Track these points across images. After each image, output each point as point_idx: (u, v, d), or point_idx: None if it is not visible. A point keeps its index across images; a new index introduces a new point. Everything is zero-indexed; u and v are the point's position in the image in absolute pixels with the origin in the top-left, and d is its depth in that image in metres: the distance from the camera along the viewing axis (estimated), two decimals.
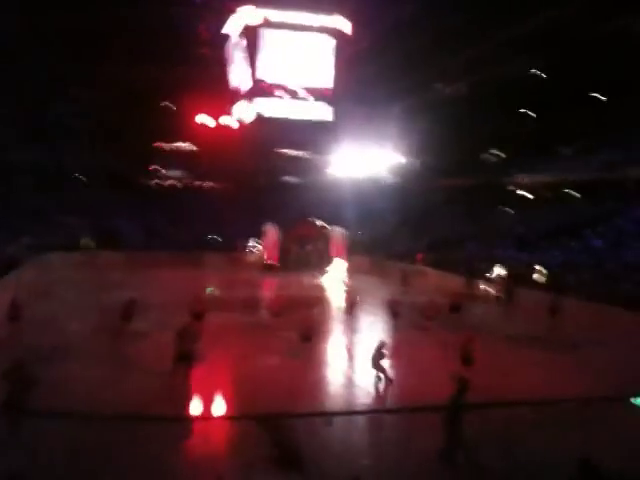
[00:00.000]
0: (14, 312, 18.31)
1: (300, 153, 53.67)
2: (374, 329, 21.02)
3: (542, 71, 40.17)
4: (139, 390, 13.02)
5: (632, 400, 10.50)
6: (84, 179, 47.88)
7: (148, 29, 37.28)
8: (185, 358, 13.61)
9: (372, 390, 13.88)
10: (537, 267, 27.93)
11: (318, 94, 42.60)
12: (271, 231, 38.59)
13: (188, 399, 12.91)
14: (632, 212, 30.62)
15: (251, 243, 40.93)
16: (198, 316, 18.15)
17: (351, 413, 12.77)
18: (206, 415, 12.56)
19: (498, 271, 28.93)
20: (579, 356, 17.29)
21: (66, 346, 16.60)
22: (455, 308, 22.07)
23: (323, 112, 43.48)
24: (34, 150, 45.65)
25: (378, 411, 13.00)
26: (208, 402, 13.10)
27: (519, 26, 36.37)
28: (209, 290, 27.57)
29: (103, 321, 18.75)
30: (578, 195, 35.98)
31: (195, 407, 12.77)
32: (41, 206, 41.80)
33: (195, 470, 9.47)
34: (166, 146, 51.78)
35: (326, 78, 41.96)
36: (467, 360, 14.48)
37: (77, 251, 38.42)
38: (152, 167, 51.82)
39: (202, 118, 46.24)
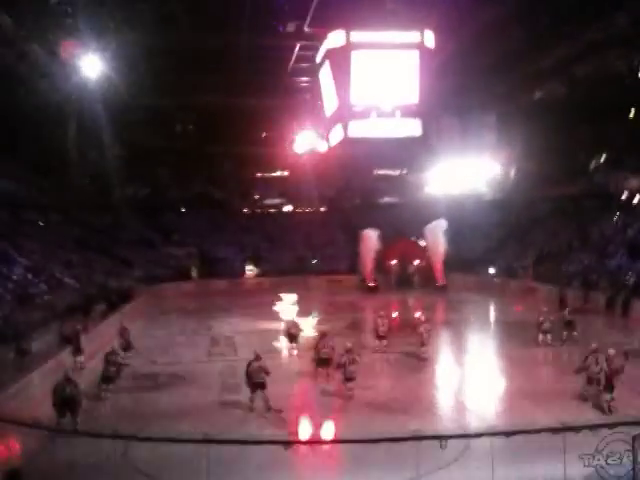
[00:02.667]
0: (125, 342, 19.24)
1: (394, 172, 53.41)
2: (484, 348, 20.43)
3: None
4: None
5: None
6: (185, 209, 49.70)
7: (242, 59, 38.21)
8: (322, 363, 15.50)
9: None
10: None
11: (406, 110, 42.21)
12: (371, 240, 38.26)
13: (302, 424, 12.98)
14: None
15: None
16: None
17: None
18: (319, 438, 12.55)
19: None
20: None
21: (178, 372, 17.22)
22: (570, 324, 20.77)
23: (411, 127, 43.01)
24: (136, 183, 48.07)
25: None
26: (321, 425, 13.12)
27: (615, 20, 34.43)
28: (313, 315, 27.73)
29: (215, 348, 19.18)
30: None
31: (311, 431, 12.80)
32: (148, 237, 43.89)
33: None
34: (266, 175, 53.30)
35: (412, 94, 41.59)
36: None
37: (186, 280, 39.84)
38: (252, 195, 53.32)
39: (299, 147, 47.06)
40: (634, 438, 9.56)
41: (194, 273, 41.77)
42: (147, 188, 49.13)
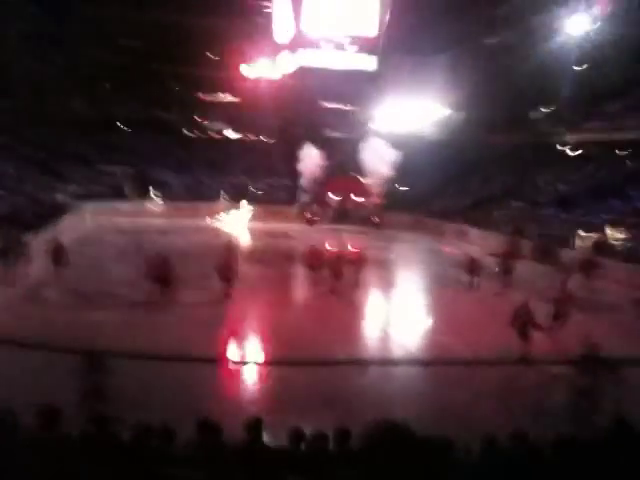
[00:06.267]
0: (59, 257, 18.95)
1: (343, 106, 52.97)
2: (412, 284, 21.23)
3: (594, 22, 38.33)
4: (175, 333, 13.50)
5: None
6: (127, 128, 48.13)
7: None
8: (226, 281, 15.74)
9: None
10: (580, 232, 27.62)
11: (362, 43, 41.54)
12: (312, 158, 38.41)
13: (225, 344, 13.33)
14: None
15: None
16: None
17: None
18: (244, 358, 12.94)
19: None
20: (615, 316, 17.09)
21: (108, 291, 17.21)
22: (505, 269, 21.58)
23: (366, 62, 42.46)
24: (80, 99, 46.06)
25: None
26: (248, 346, 13.52)
27: None
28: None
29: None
30: (625, 153, 34.79)
31: (232, 351, 13.16)
32: (86, 154, 42.51)
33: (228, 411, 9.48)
34: (209, 97, 51.76)
35: (370, 26, 40.86)
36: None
37: (123, 200, 39.10)
38: (195, 118, 51.95)
39: (245, 70, 45.82)
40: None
41: (130, 193, 40.95)
42: (88, 103, 47.02)
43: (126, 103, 47.28)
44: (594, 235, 27.08)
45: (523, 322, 13.02)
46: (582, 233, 27.68)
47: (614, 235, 26.88)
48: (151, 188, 40.62)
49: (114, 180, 41.10)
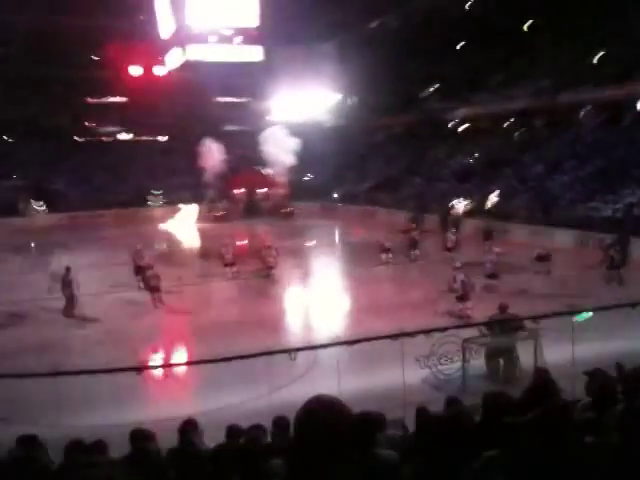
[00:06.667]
0: None
1: (237, 99, 52.48)
2: (329, 269, 21.49)
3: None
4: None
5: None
6: (11, 138, 45.47)
7: None
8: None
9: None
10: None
11: (246, 34, 41.25)
12: (212, 150, 38.03)
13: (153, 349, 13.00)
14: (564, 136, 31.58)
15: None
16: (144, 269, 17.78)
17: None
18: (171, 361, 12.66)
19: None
20: None
21: (18, 311, 16.31)
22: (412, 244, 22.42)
23: (252, 53, 42.25)
24: None
25: None
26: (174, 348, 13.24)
27: None
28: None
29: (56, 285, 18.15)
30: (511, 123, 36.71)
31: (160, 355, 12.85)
32: None
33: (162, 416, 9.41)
34: (99, 101, 49.78)
35: (252, 17, 40.69)
36: None
37: (16, 215, 37.03)
38: (86, 122, 49.86)
39: (134, 70, 44.42)
40: (464, 341, 10.75)
41: (24, 207, 38.84)
42: None
43: (6, 110, 44.47)
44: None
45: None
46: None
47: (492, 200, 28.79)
48: (32, 201, 38.77)
49: (3, 194, 38.72)
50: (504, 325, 11.40)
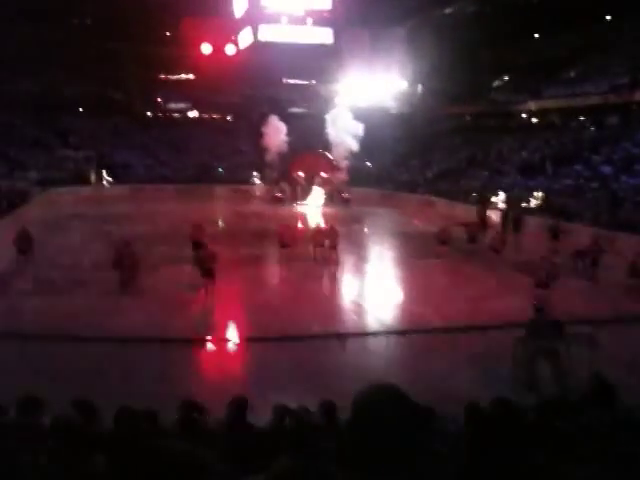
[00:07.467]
0: (24, 245, 18.47)
1: (304, 82, 52.56)
2: (384, 258, 21.40)
3: None
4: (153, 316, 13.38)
5: None
6: (83, 110, 46.85)
7: None
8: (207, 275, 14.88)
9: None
10: (535, 194, 28.40)
11: (317, 16, 41.16)
12: (276, 128, 38.24)
13: (206, 324, 13.26)
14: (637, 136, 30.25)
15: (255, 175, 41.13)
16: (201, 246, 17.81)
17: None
18: (223, 338, 12.87)
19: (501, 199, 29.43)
20: None
21: (75, 278, 16.88)
22: (471, 238, 22.04)
23: (323, 35, 42.11)
24: (31, 80, 44.45)
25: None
26: (226, 326, 13.48)
27: None
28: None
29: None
30: (583, 119, 35.47)
31: (213, 331, 13.07)
32: (42, 138, 41.40)
33: (211, 391, 9.29)
34: (169, 77, 50.80)
35: None
36: None
37: (84, 185, 38.34)
38: (155, 99, 50.99)
39: (206, 48, 44.96)
40: (516, 340, 10.53)
41: (92, 178, 40.18)
42: (41, 85, 45.44)
43: (79, 84, 45.88)
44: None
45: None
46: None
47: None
48: (104, 171, 39.97)
49: (74, 164, 40.17)
50: (551, 327, 11.03)
